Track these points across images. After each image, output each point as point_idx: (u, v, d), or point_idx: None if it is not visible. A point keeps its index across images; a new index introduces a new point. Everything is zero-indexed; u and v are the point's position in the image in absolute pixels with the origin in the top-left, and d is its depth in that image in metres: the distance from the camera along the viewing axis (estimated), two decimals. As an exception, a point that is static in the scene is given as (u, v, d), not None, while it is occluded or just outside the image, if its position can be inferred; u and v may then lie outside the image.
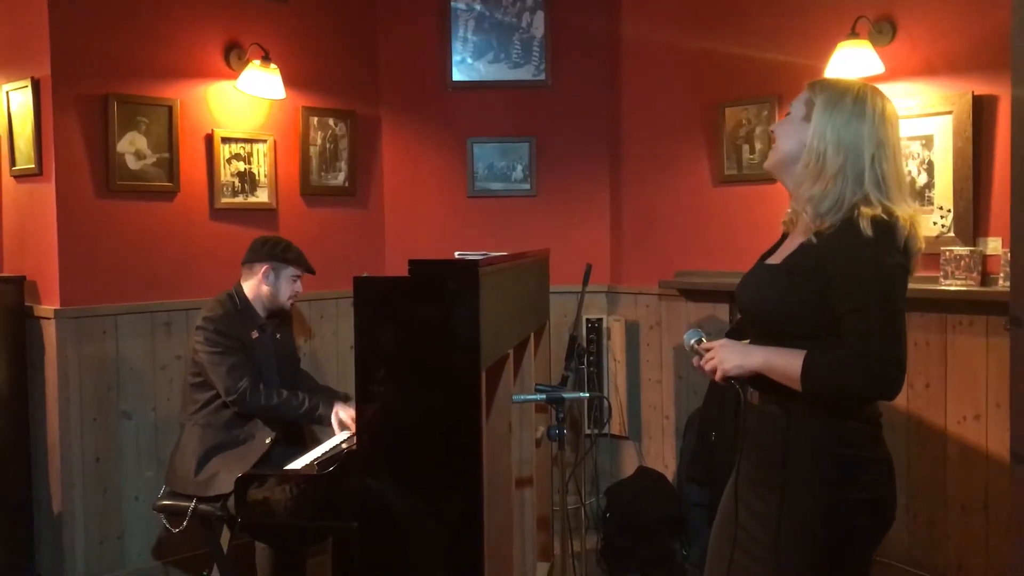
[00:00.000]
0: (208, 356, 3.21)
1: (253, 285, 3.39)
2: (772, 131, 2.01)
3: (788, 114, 1.97)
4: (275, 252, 3.38)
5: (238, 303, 3.35)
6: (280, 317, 3.51)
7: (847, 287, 1.76)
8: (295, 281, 3.44)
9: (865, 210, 1.78)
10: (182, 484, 3.19)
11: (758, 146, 3.85)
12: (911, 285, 3.34)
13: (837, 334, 1.78)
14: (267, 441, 3.18)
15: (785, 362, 1.80)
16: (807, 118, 1.89)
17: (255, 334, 3.35)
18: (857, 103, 1.85)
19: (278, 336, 3.49)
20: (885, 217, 1.78)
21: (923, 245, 1.85)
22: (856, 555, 1.86)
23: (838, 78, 1.93)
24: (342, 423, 3.21)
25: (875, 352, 1.73)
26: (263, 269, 3.36)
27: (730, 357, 1.88)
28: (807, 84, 1.95)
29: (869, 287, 1.75)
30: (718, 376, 1.89)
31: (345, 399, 3.47)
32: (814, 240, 1.84)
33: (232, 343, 3.23)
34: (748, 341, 1.94)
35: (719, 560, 2.00)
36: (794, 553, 1.83)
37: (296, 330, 4.17)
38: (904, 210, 1.81)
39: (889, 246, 1.77)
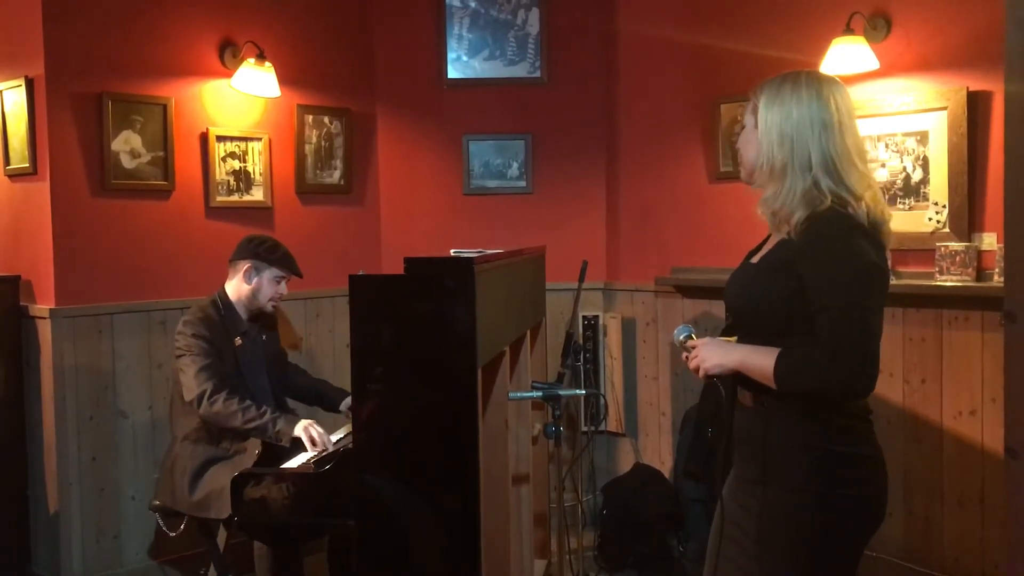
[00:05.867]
0: (180, 360, 3.12)
1: (236, 284, 3.27)
2: (736, 147, 2.03)
3: (743, 127, 1.98)
4: (258, 251, 3.25)
5: (221, 308, 3.24)
6: (264, 319, 3.40)
7: (816, 285, 1.77)
8: (278, 283, 3.29)
9: (825, 200, 1.79)
10: (175, 501, 3.14)
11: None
12: (907, 282, 3.37)
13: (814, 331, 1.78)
14: (256, 452, 3.08)
15: (760, 360, 1.81)
16: (757, 125, 1.91)
17: (238, 341, 3.23)
18: (793, 92, 1.86)
19: (264, 338, 3.39)
20: (842, 209, 1.79)
21: (883, 213, 1.85)
22: (844, 552, 1.86)
23: (778, 75, 1.93)
24: (312, 440, 2.96)
25: (845, 349, 1.73)
26: (245, 267, 3.24)
27: (711, 355, 1.89)
28: (750, 92, 1.96)
29: (837, 284, 1.75)
30: (700, 374, 1.91)
31: (341, 396, 3.44)
32: (787, 238, 1.85)
33: (206, 347, 3.11)
34: (735, 339, 1.95)
35: (715, 556, 2.00)
36: (781, 549, 1.84)
37: (292, 329, 4.17)
38: (855, 184, 1.81)
39: (856, 241, 1.77)
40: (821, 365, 1.74)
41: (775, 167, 1.86)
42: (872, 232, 1.81)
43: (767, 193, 1.88)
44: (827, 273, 1.76)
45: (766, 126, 1.87)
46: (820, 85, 1.86)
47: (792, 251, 1.82)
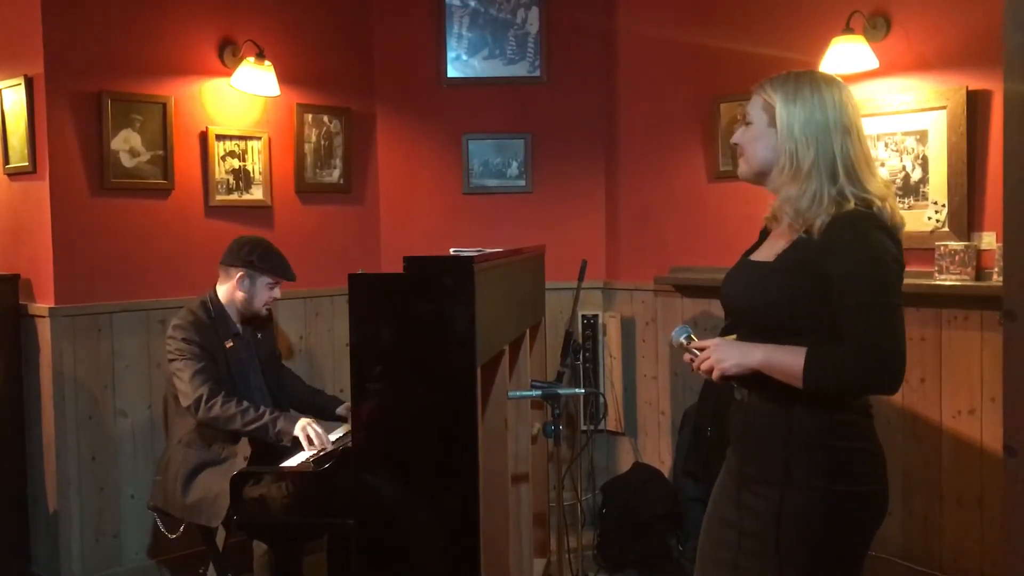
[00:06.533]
0: (173, 364, 3.11)
1: (228, 289, 3.26)
2: (736, 143, 2.01)
3: (749, 124, 1.96)
4: (250, 259, 3.23)
5: (212, 311, 3.22)
6: (258, 321, 3.39)
7: (847, 283, 1.76)
8: (272, 288, 3.28)
9: (848, 205, 1.80)
10: (169, 504, 3.15)
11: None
12: (906, 281, 3.35)
13: (830, 330, 1.78)
14: (245, 456, 3.07)
15: (785, 359, 1.80)
16: (772, 123, 1.90)
17: (229, 343, 3.23)
18: (814, 93, 1.86)
19: (259, 336, 3.39)
20: (867, 209, 1.80)
21: (902, 218, 1.87)
22: (853, 547, 1.87)
23: (785, 73, 1.92)
24: (309, 439, 2.94)
25: (878, 346, 1.73)
26: (238, 275, 3.23)
27: (729, 355, 1.86)
28: (754, 88, 1.95)
29: (869, 282, 1.75)
30: (715, 375, 1.87)
31: (335, 404, 3.43)
32: (805, 236, 1.84)
33: (198, 351, 3.10)
34: (735, 337, 1.93)
35: (711, 561, 2.00)
36: (793, 547, 1.83)
37: (290, 328, 4.17)
38: (877, 187, 1.83)
39: (881, 238, 1.78)
40: (856, 362, 1.75)
41: (801, 168, 1.84)
42: (894, 232, 1.82)
43: (790, 192, 1.86)
44: (855, 271, 1.76)
45: (787, 126, 1.86)
46: (839, 88, 1.88)
47: (813, 250, 1.81)
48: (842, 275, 1.77)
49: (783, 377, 1.81)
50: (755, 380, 1.86)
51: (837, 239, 1.79)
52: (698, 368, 1.92)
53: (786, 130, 1.87)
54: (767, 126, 1.91)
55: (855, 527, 1.84)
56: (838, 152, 1.83)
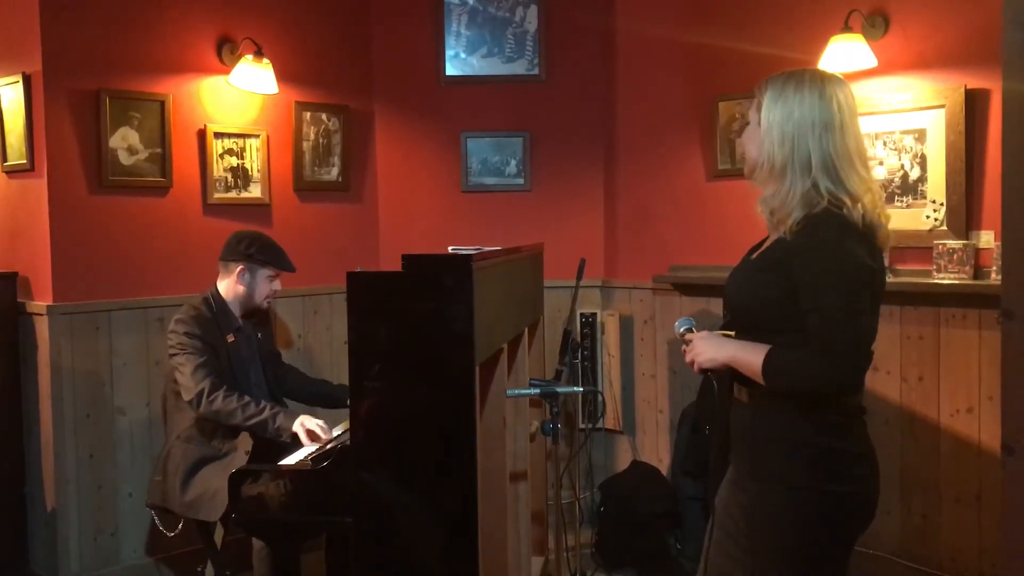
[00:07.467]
0: (175, 359, 3.12)
1: (229, 284, 3.29)
2: (739, 143, 2.04)
3: (747, 124, 1.99)
4: (250, 253, 3.26)
5: (213, 306, 3.25)
6: (258, 315, 3.41)
7: (807, 285, 1.78)
8: (272, 280, 3.31)
9: (822, 202, 1.80)
10: (169, 501, 3.15)
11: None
12: (904, 279, 3.37)
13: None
14: (246, 451, 3.08)
15: (750, 357, 1.83)
16: (760, 122, 1.91)
17: (231, 338, 3.24)
18: (796, 92, 1.86)
19: (259, 335, 3.41)
20: (836, 210, 1.79)
21: (880, 216, 1.85)
22: (834, 548, 1.87)
23: (781, 72, 1.93)
24: (310, 434, 2.94)
25: (832, 350, 1.74)
26: (238, 269, 3.26)
27: (705, 349, 1.91)
28: (755, 88, 1.96)
29: (827, 286, 1.76)
30: (695, 368, 1.92)
31: (343, 392, 3.43)
32: (782, 236, 1.86)
33: (200, 345, 3.11)
34: (732, 334, 1.95)
35: (718, 550, 2.02)
36: (772, 545, 1.85)
37: (288, 326, 4.17)
38: (855, 185, 1.82)
39: (850, 243, 1.78)
40: (807, 364, 1.76)
41: (775, 166, 1.86)
42: (867, 234, 1.82)
43: (767, 192, 1.89)
44: (817, 274, 1.77)
45: (768, 125, 1.87)
46: (824, 84, 1.87)
47: (786, 251, 1.83)
48: (805, 277, 1.78)
49: (748, 373, 1.84)
50: (741, 377, 1.89)
51: (804, 241, 1.80)
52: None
53: (766, 128, 1.88)
54: (756, 125, 1.93)
55: (835, 527, 1.84)
56: (814, 148, 1.83)
